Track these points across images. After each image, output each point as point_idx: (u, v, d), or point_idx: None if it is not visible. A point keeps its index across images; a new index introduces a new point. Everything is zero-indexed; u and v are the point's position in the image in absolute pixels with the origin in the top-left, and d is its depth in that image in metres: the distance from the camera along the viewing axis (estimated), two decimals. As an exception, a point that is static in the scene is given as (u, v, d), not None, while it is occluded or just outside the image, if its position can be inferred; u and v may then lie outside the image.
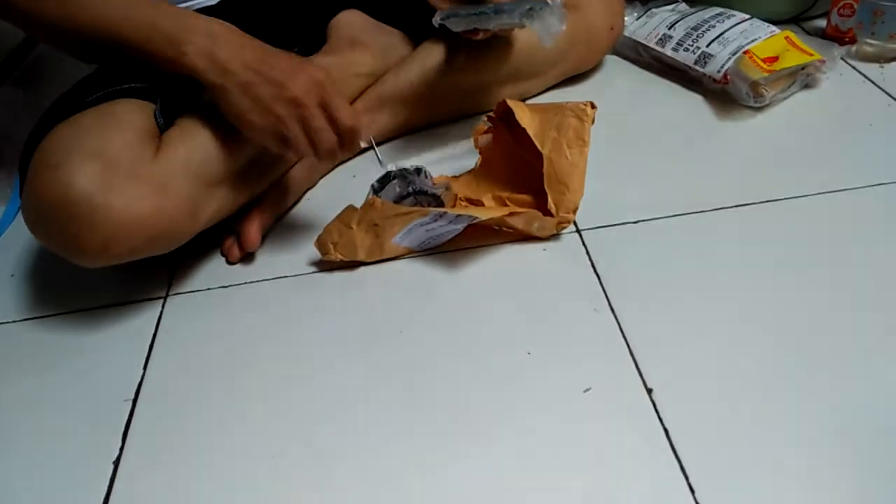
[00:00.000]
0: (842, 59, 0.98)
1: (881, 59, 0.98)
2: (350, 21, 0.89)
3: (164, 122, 0.71)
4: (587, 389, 0.60)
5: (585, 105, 0.75)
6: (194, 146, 0.69)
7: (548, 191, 0.74)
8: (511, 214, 0.73)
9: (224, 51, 0.67)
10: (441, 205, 0.77)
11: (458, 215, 0.71)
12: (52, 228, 0.65)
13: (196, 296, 0.75)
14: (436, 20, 0.76)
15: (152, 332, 0.72)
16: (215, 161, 0.70)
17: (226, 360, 0.68)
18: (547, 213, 0.74)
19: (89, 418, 0.64)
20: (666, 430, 0.56)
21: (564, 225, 0.76)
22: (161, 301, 0.75)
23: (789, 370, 0.60)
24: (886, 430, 0.55)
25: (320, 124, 0.68)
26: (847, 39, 1.01)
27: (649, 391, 0.59)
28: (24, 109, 1.13)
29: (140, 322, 0.73)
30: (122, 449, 0.61)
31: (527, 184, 0.78)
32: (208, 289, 0.76)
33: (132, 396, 0.65)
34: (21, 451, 0.62)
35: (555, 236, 0.76)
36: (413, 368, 0.64)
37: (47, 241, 0.67)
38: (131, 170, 0.64)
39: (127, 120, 0.68)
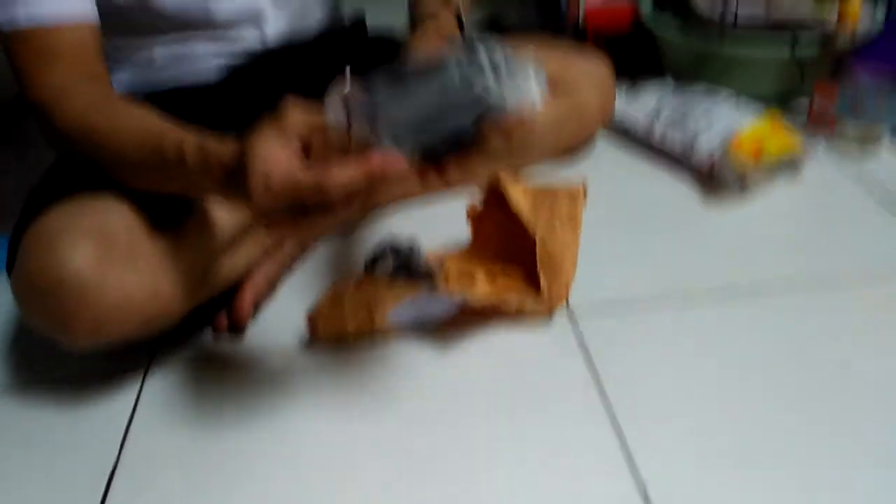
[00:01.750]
0: (825, 142, 1.00)
1: (864, 143, 1.01)
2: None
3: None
4: (579, 480, 0.59)
5: (577, 187, 0.75)
6: (192, 225, 0.68)
7: (540, 273, 0.74)
8: (503, 298, 0.72)
9: None
10: (434, 282, 0.76)
11: (451, 297, 0.70)
12: (44, 309, 0.62)
13: (178, 368, 0.73)
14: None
15: (132, 405, 0.70)
16: (212, 239, 0.69)
17: (208, 436, 0.66)
18: (539, 291, 0.74)
19: (64, 495, 0.62)
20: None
21: (557, 306, 0.75)
22: (142, 373, 0.73)
23: (793, 466, 0.59)
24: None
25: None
26: (830, 125, 1.03)
27: (644, 484, 0.58)
28: (12, 167, 1.13)
29: (120, 394, 0.71)
30: (96, 532, 0.59)
31: (519, 256, 0.78)
32: (191, 359, 0.74)
33: (109, 472, 0.63)
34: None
35: (546, 317, 0.76)
36: (399, 449, 0.63)
37: (38, 321, 0.64)
38: (129, 248, 0.62)
39: (121, 200, 0.65)
